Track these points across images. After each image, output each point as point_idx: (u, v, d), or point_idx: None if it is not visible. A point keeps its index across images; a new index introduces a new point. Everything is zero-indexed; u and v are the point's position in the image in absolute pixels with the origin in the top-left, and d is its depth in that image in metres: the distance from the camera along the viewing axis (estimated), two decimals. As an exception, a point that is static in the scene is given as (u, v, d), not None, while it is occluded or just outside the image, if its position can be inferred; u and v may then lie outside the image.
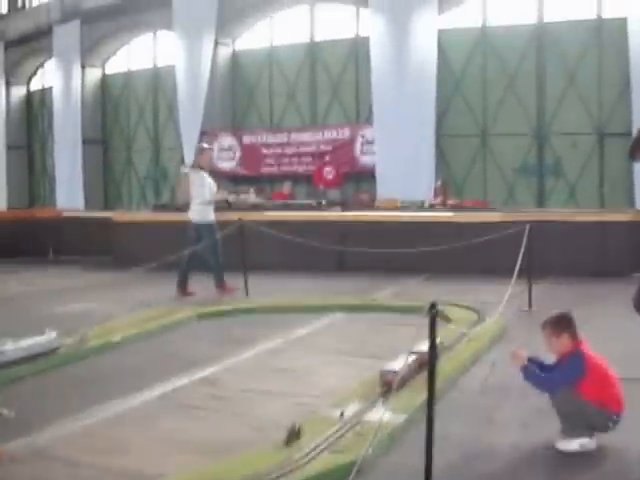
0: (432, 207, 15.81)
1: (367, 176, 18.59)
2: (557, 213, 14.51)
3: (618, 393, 4.71)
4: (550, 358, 4.94)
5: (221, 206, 12.44)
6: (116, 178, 24.72)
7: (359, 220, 14.40)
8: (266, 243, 12.95)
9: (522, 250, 9.55)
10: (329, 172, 18.37)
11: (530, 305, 9.66)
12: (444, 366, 6.31)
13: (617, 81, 16.92)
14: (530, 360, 4.83)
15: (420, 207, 15.77)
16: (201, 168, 11.44)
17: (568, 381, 4.66)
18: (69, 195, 23.97)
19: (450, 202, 15.97)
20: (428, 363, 4.24)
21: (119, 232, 16.34)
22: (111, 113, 24.63)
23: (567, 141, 17.55)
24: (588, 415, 4.59)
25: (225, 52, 21.24)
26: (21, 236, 17.48)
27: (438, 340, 4.38)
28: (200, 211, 11.34)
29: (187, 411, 5.72)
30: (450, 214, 14.38)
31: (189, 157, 20.64)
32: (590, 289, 11.66)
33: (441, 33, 18.10)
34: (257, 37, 21.33)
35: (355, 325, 9.20)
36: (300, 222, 14.24)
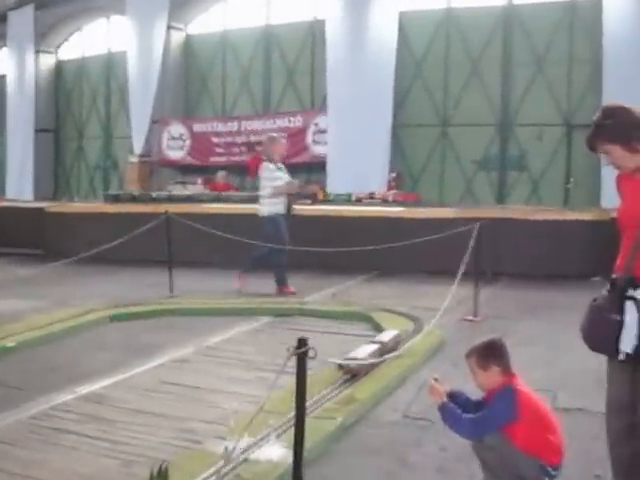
0: (384, 201, 14.74)
1: (319, 167, 17.37)
2: (514, 210, 13.37)
3: (558, 441, 3.75)
4: (479, 392, 3.92)
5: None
6: (66, 167, 23.54)
7: (298, 214, 13.21)
8: (199, 238, 12.03)
9: (469, 251, 8.51)
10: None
11: (475, 314, 8.65)
12: (363, 387, 5.70)
13: (588, 69, 15.68)
14: (452, 395, 3.88)
15: (347, 201, 14.79)
16: (271, 160, 10.59)
17: (495, 425, 3.71)
18: (19, 184, 22.87)
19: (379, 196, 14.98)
20: (296, 418, 3.71)
21: (51, 224, 15.30)
22: (64, 101, 23.47)
23: (533, 132, 16.34)
24: (518, 467, 3.68)
25: (178, 37, 20.10)
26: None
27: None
28: (269, 205, 10.56)
29: (56, 437, 4.81)
30: (400, 209, 13.25)
31: (138, 146, 19.60)
32: (544, 295, 10.65)
33: (402, 15, 16.94)
34: (211, 21, 20.16)
35: (279, 333, 8.20)
36: (235, 215, 13.22)
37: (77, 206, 16.82)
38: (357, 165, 16.22)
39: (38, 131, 22.80)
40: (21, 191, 22.56)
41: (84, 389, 5.90)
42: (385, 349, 6.55)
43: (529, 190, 16.45)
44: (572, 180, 15.27)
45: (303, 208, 13.33)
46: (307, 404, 4.50)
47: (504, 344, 3.85)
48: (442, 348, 7.19)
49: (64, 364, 6.80)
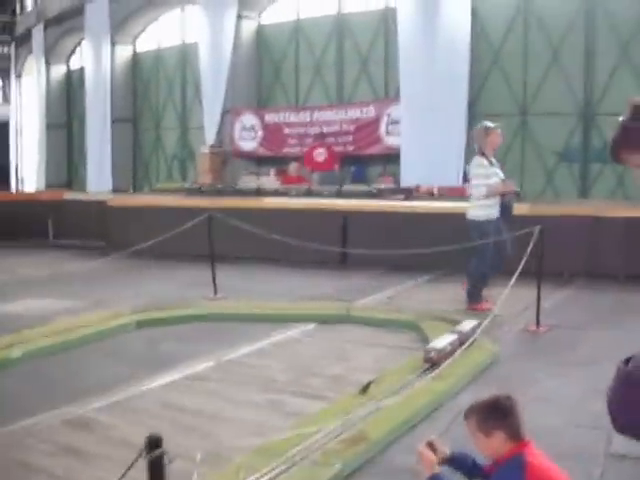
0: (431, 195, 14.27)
1: (394, 158, 16.91)
2: (591, 206, 12.63)
3: None
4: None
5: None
6: (145, 158, 23.70)
7: (362, 210, 12.82)
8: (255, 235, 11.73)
9: (528, 251, 7.85)
10: (321, 154, 16.87)
11: (538, 323, 7.84)
12: (379, 421, 4.93)
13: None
14: (454, 460, 3.16)
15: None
16: (483, 154, 8.86)
17: None
18: (99, 175, 23.19)
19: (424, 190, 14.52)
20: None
21: (114, 217, 15.28)
22: (141, 91, 23.62)
23: (617, 122, 15.45)
24: None
25: (250, 26, 19.86)
26: (23, 218, 16.52)
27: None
28: (481, 208, 8.84)
29: (17, 475, 4.36)
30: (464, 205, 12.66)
31: (211, 137, 19.50)
32: (623, 297, 9.88)
33: (476, 2, 16.27)
34: (283, 10, 19.83)
35: (316, 344, 7.61)
36: (301, 210, 12.93)
37: (136, 199, 16.84)
38: (432, 157, 15.76)
39: (116, 121, 23.03)
40: (101, 181, 22.85)
41: (73, 411, 5.37)
42: (464, 339, 6.46)
43: (614, 183, 15.61)
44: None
45: (368, 203, 12.96)
46: (306, 443, 4.10)
47: (514, 403, 3.00)
48: (491, 367, 6.44)
49: (65, 378, 6.38)
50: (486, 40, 16.54)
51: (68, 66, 27.10)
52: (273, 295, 10.04)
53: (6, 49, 32.83)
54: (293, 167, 17.18)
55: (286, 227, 11.61)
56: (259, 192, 15.24)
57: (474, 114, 16.49)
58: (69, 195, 18.18)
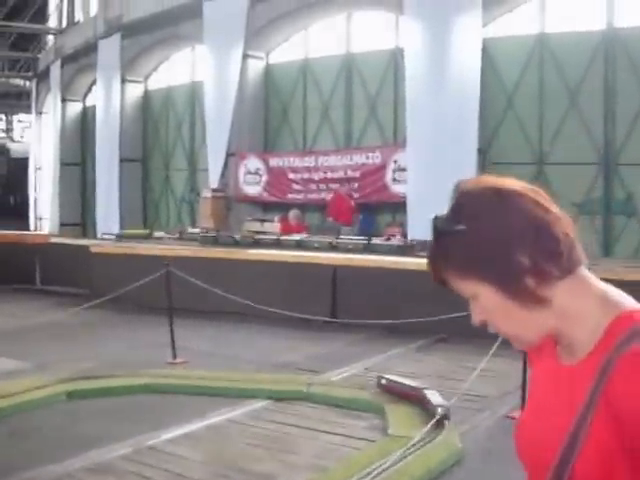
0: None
1: (401, 207, 15.87)
2: (608, 268, 11.44)
3: None
4: None
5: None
6: (155, 199, 22.99)
7: (353, 265, 11.83)
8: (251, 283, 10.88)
9: None
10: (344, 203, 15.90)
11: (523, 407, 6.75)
12: None
13: None
14: None
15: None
16: None
17: None
18: (106, 215, 22.55)
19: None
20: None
21: (97, 264, 14.53)
22: (152, 130, 23.01)
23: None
24: None
25: (257, 66, 19.09)
26: (9, 262, 15.80)
27: None
28: None
29: None
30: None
31: (215, 180, 18.73)
32: None
33: (488, 42, 15.29)
34: (292, 49, 19.06)
35: (258, 427, 6.66)
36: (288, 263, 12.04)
37: (119, 246, 15.92)
38: (439, 208, 14.65)
39: (124, 160, 22.44)
40: (109, 221, 22.20)
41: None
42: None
43: (639, 238, 14.38)
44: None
45: (359, 258, 11.94)
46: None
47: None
48: (453, 470, 5.41)
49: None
50: (499, 82, 15.53)
51: (84, 103, 26.67)
52: (240, 361, 9.21)
53: (28, 85, 32.69)
54: (293, 214, 16.25)
55: (274, 281, 10.83)
56: (257, 243, 14.27)
57: (486, 162, 15.48)
58: (55, 239, 17.49)
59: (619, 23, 14.56)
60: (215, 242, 15.22)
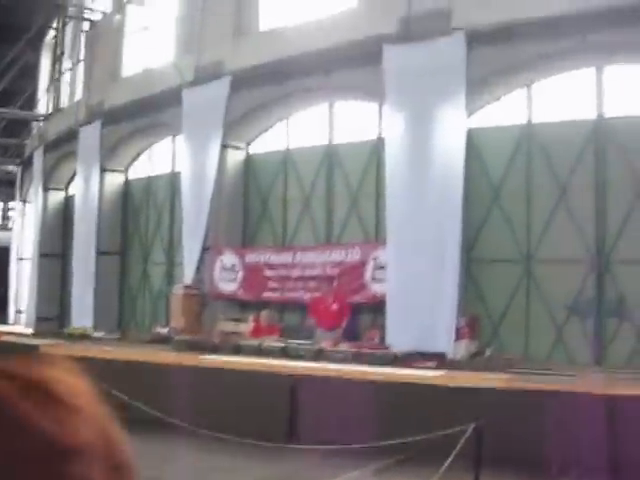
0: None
1: (379, 308, 14.82)
2: (586, 381, 10.36)
3: None
4: None
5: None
6: (132, 293, 21.98)
7: (314, 374, 10.74)
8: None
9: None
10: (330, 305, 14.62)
11: None
12: None
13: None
14: None
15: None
16: None
17: None
18: (80, 312, 21.49)
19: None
20: None
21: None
22: (132, 221, 22.15)
23: (635, 271, 13.29)
24: None
25: (237, 156, 18.34)
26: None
27: None
28: None
29: None
30: (438, 374, 10.49)
31: (190, 276, 17.76)
32: None
33: (473, 133, 14.53)
34: (272, 140, 18.35)
35: None
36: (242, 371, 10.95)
37: (68, 348, 14.66)
38: (421, 308, 13.66)
39: (102, 253, 21.51)
40: (82, 318, 21.16)
41: None
42: None
43: (632, 343, 13.27)
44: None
45: (321, 367, 10.84)
46: None
47: None
48: None
49: None
50: (484, 174, 14.71)
51: (67, 192, 25.91)
52: None
53: (15, 172, 32.10)
54: (265, 315, 15.09)
55: (227, 391, 9.84)
56: (239, 349, 13.00)
57: (473, 258, 14.55)
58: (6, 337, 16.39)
59: (610, 112, 13.83)
60: (192, 347, 13.90)
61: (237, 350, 12.97)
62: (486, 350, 13.55)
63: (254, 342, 13.29)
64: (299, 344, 12.55)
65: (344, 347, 12.64)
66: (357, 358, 11.87)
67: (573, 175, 13.95)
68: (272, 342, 13.34)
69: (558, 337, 13.90)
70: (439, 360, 11.66)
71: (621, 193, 13.54)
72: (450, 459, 6.35)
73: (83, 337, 14.82)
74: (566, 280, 13.86)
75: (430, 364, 11.40)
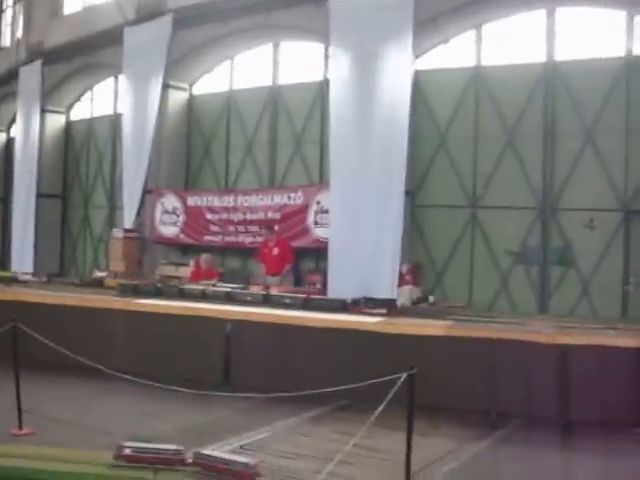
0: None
1: (322, 253, 14.45)
2: (532, 331, 10.11)
3: None
4: None
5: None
6: (73, 238, 21.37)
7: (248, 319, 10.32)
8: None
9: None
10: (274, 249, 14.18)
11: None
12: None
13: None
14: None
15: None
16: None
17: None
18: (21, 255, 20.84)
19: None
20: None
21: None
22: (73, 165, 21.45)
23: (582, 219, 13.08)
24: None
25: (179, 97, 17.72)
26: None
27: None
28: None
29: None
30: (376, 320, 10.13)
31: (130, 219, 17.20)
32: (564, 458, 7.27)
33: (420, 75, 14.11)
34: (216, 81, 17.74)
35: None
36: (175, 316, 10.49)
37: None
38: (365, 252, 13.26)
39: (42, 196, 20.85)
40: (23, 262, 20.51)
41: None
42: None
43: (577, 291, 13.11)
44: (632, 280, 12.18)
45: (255, 312, 10.44)
46: None
47: None
48: None
49: None
50: (431, 118, 14.37)
51: (8, 134, 25.03)
52: (97, 432, 7.56)
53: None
54: (204, 259, 14.58)
55: (161, 335, 9.89)
56: (182, 294, 12.48)
57: (416, 205, 14.21)
58: None
59: (560, 56, 13.47)
60: (134, 291, 13.26)
61: (180, 295, 12.44)
62: (429, 297, 13.32)
63: (197, 287, 12.77)
64: (233, 288, 12.05)
65: (290, 292, 12.21)
66: (306, 304, 11.41)
67: (522, 120, 13.63)
68: (214, 286, 12.85)
69: (503, 284, 13.70)
70: (389, 307, 11.29)
71: (570, 139, 13.25)
72: (381, 407, 6.02)
73: (11, 280, 14.17)
74: (512, 227, 13.64)
75: (381, 311, 11.03)
